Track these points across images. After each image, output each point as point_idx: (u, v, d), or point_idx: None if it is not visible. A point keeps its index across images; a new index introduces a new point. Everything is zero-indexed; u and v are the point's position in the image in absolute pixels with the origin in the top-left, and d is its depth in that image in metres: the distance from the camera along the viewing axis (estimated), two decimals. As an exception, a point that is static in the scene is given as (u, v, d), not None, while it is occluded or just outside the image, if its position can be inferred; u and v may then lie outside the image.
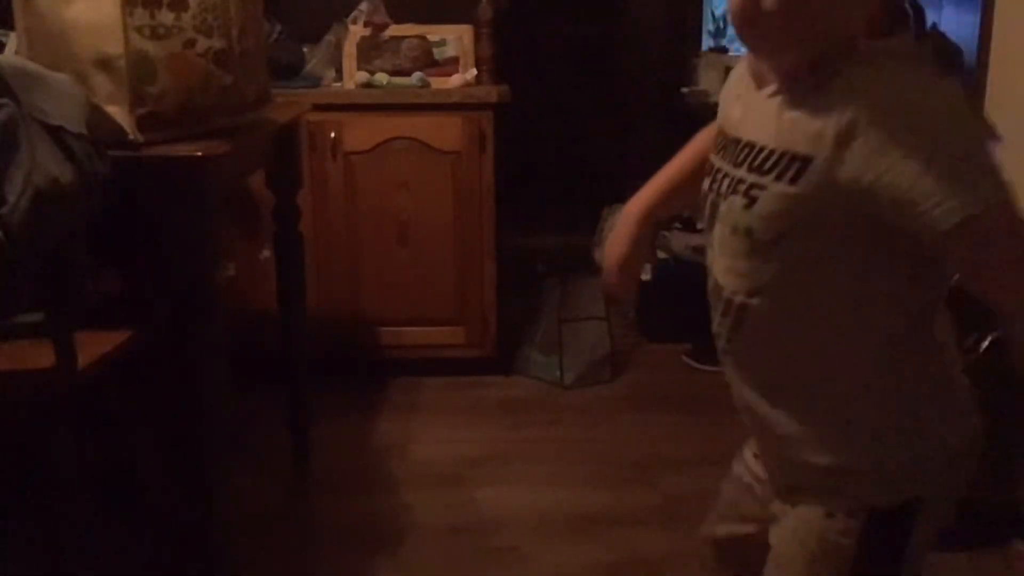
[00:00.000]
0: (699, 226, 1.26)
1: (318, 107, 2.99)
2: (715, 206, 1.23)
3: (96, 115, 1.64)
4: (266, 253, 3.00)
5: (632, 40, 4.17)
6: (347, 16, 3.26)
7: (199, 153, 1.77)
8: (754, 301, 1.17)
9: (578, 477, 2.70)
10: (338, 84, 3.23)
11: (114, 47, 1.71)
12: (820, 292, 1.13)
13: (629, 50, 4.18)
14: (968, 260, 1.06)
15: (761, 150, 1.15)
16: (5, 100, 1.42)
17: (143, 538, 2.14)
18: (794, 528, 1.23)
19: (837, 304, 1.14)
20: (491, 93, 3.15)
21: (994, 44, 2.51)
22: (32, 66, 1.55)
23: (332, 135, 3.13)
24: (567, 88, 4.11)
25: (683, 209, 1.48)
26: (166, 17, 1.78)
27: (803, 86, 1.12)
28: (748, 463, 1.39)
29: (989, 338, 2.18)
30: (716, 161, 1.25)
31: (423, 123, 3.14)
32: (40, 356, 1.52)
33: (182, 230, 1.79)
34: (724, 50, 5.29)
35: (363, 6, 3.25)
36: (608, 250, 1.45)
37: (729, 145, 1.22)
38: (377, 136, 3.14)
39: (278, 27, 3.21)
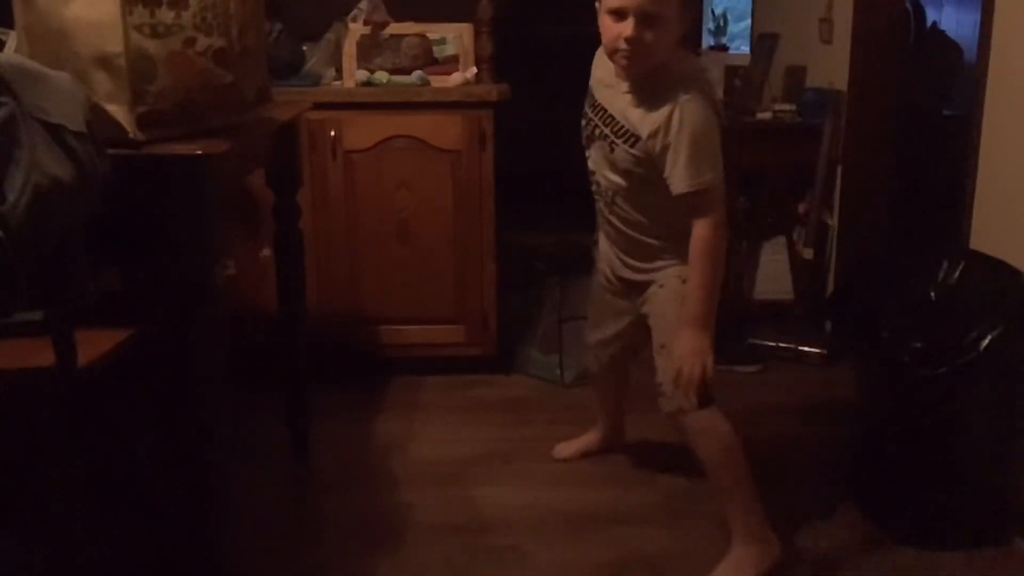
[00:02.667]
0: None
1: (318, 106, 2.99)
2: (591, 139, 2.23)
3: (96, 113, 1.64)
4: (266, 252, 3.00)
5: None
6: (347, 14, 3.26)
7: (199, 152, 1.77)
8: (620, 192, 2.20)
9: (578, 476, 2.70)
10: (338, 83, 3.23)
11: (114, 45, 1.71)
12: (647, 190, 2.16)
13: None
14: (688, 204, 2.08)
15: (617, 123, 2.14)
16: (5, 99, 1.42)
17: (143, 538, 2.14)
18: (666, 293, 2.23)
19: (655, 196, 2.14)
20: (491, 92, 3.14)
21: (994, 43, 2.50)
22: (32, 64, 1.55)
23: (332, 134, 3.13)
24: (567, 87, 4.11)
25: None
26: (166, 15, 1.78)
27: (642, 90, 2.10)
28: (607, 281, 2.42)
29: (989, 336, 2.18)
30: (590, 113, 2.23)
31: (423, 122, 3.14)
32: (40, 354, 1.52)
33: (182, 228, 1.79)
34: (724, 48, 5.29)
35: (363, 4, 3.25)
36: None
37: (598, 109, 2.20)
38: (377, 135, 3.14)
39: (278, 25, 3.21)
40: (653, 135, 2.05)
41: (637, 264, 2.29)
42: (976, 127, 2.57)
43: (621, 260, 2.33)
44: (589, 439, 2.80)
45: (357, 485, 2.65)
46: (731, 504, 2.21)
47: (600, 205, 2.30)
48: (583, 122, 2.26)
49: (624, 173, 2.16)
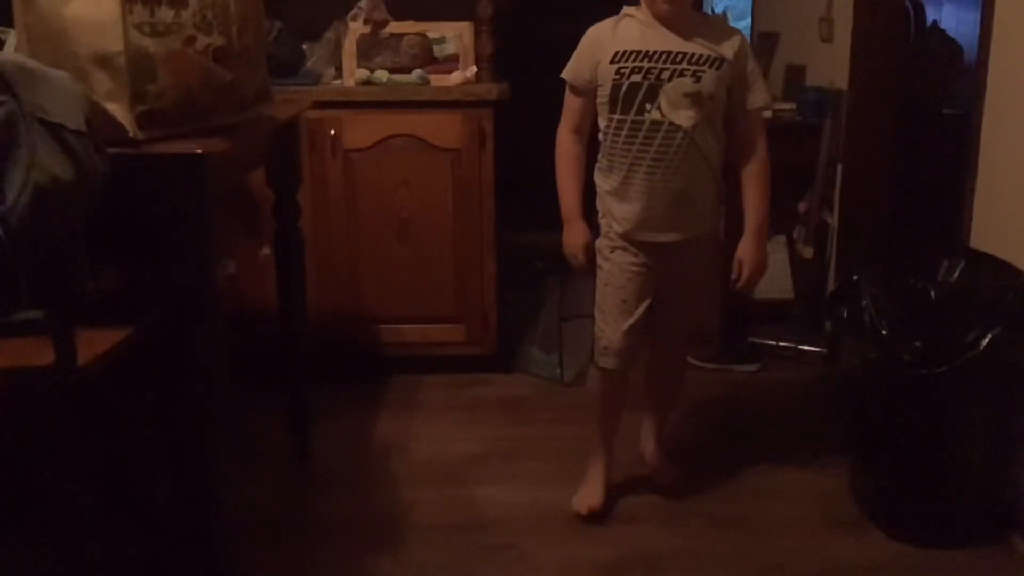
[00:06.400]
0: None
1: (318, 104, 2.99)
2: (655, 88, 2.30)
3: (96, 112, 1.64)
4: (266, 251, 3.00)
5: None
6: (347, 13, 3.26)
7: (199, 151, 1.77)
8: (697, 127, 2.31)
9: (578, 475, 2.69)
10: (338, 81, 3.23)
11: (114, 44, 1.71)
12: (716, 121, 2.37)
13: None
14: (749, 122, 2.42)
15: (696, 55, 2.30)
16: (5, 97, 1.42)
17: (143, 538, 2.14)
18: (701, 249, 2.47)
19: (718, 129, 2.38)
20: (491, 90, 3.14)
21: (994, 41, 2.50)
22: (32, 63, 1.55)
23: (332, 132, 3.13)
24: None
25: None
26: (166, 14, 1.78)
27: (698, 28, 2.33)
28: (630, 260, 2.44)
29: (989, 335, 2.18)
30: (647, 64, 2.30)
31: (423, 120, 3.14)
32: (40, 354, 1.51)
33: (181, 227, 1.79)
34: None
35: (363, 3, 3.25)
36: (573, 243, 2.49)
37: (658, 55, 2.29)
38: (377, 133, 3.14)
39: (278, 24, 3.21)
40: (737, 56, 2.34)
41: (682, 220, 2.38)
42: (976, 126, 2.57)
43: (666, 218, 2.37)
44: (604, 475, 2.56)
45: (357, 484, 2.65)
46: (670, 411, 2.76)
47: (662, 158, 2.32)
48: (636, 79, 2.30)
49: (709, 98, 2.31)
